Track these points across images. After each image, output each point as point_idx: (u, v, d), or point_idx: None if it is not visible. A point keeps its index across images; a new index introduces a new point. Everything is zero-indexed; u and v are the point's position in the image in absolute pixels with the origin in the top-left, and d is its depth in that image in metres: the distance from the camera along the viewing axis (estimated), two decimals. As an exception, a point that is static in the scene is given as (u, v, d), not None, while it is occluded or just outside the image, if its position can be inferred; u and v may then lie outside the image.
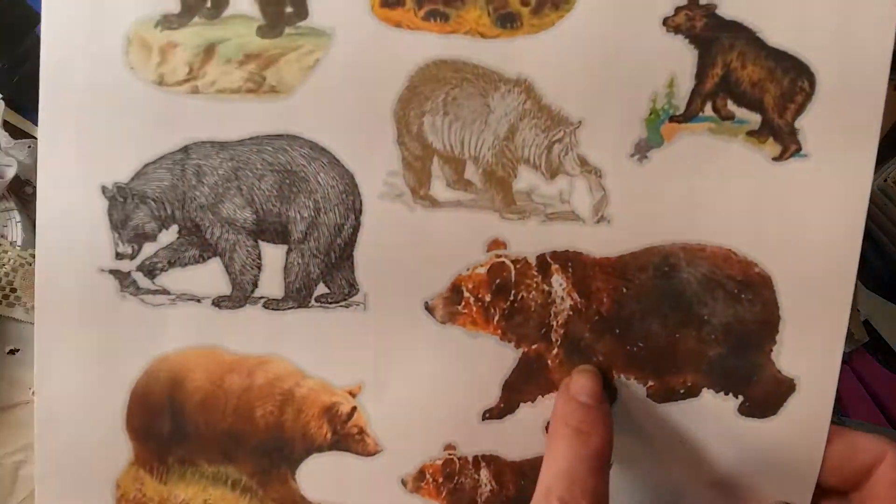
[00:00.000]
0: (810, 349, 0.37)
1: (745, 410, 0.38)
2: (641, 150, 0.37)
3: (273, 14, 0.35)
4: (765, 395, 0.37)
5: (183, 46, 0.35)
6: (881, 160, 0.59)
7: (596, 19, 0.35)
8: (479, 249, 0.38)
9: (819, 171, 0.35)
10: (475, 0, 0.36)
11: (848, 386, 0.56)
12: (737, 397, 0.38)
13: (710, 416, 0.38)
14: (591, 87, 0.36)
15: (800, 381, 0.37)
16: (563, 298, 0.38)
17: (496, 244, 0.38)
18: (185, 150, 0.36)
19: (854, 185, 0.34)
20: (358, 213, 0.37)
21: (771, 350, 0.37)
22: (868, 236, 0.56)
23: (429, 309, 0.37)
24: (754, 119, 0.35)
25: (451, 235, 0.37)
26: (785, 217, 0.35)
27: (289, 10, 0.35)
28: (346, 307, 0.37)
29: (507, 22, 0.36)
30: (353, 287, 0.37)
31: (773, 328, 0.37)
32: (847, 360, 0.57)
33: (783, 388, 0.37)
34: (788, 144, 0.35)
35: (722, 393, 0.38)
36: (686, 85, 0.36)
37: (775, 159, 0.35)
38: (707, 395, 0.38)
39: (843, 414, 0.56)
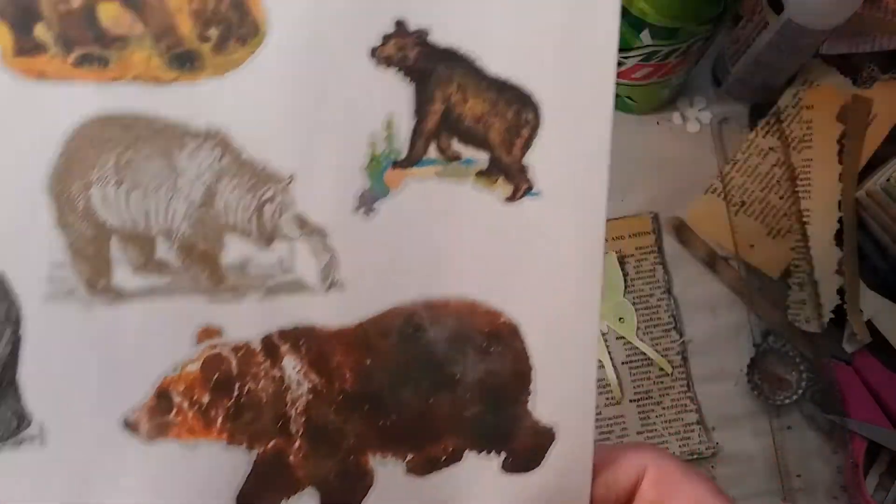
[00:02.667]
0: (565, 394, 0.39)
1: (508, 466, 0.40)
2: (367, 203, 0.36)
3: None
4: (527, 449, 0.40)
5: None
6: (883, 159, 0.62)
7: (292, 54, 0.34)
8: (188, 342, 0.35)
9: (553, 208, 0.37)
10: (140, 39, 0.32)
11: (850, 386, 0.61)
12: (499, 454, 0.40)
13: (476, 479, 0.40)
14: (299, 134, 0.35)
15: (558, 428, 0.40)
16: (299, 382, 0.37)
17: (207, 333, 0.35)
18: None
19: (588, 219, 0.37)
20: (15, 323, 0.32)
21: (527, 401, 0.40)
22: (870, 236, 0.61)
23: (129, 426, 0.34)
24: (482, 158, 0.37)
25: (148, 331, 0.34)
26: (523, 259, 0.37)
27: None
28: (18, 445, 0.33)
29: (185, 62, 0.33)
30: (21, 419, 0.32)
31: (527, 378, 0.39)
32: (849, 360, 0.62)
33: (544, 439, 0.40)
34: (520, 183, 0.37)
35: (484, 452, 0.40)
36: (406, 125, 0.36)
37: (508, 200, 0.37)
38: (470, 456, 0.39)
39: (845, 415, 0.61)
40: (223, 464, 0.35)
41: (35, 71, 0.30)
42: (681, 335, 0.62)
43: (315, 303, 0.35)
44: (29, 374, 0.32)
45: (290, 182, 0.34)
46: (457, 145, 0.36)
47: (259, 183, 0.34)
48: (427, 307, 0.37)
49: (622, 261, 0.63)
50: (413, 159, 0.36)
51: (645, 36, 0.54)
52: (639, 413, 0.60)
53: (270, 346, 0.36)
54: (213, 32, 0.32)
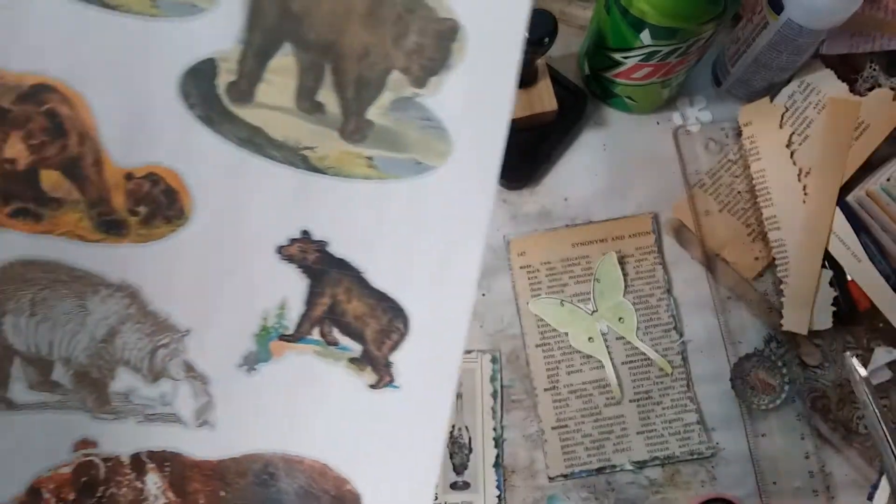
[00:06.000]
0: None
1: None
2: (249, 362, 0.37)
3: None
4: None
5: None
6: (883, 160, 0.55)
7: (210, 239, 0.35)
8: (66, 450, 0.36)
9: (408, 402, 0.38)
10: (74, 203, 0.33)
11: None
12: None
13: None
14: (203, 298, 0.36)
15: None
16: (156, 496, 0.37)
17: (84, 444, 0.36)
18: None
19: (435, 416, 0.38)
20: None
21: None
22: (870, 236, 0.54)
23: (-3, 516, 0.35)
24: (356, 348, 0.38)
25: (32, 439, 0.35)
26: (376, 440, 0.38)
27: None
28: None
29: (112, 228, 0.34)
30: None
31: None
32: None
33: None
34: (384, 376, 0.38)
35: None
36: (297, 308, 0.37)
37: (372, 386, 0.38)
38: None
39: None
40: (75, 555, 0.35)
41: (-29, 216, 0.31)
42: (681, 335, 0.55)
43: (186, 435, 0.36)
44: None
45: (185, 334, 0.35)
46: (336, 334, 0.36)
47: (158, 331, 0.34)
48: (284, 460, 0.37)
49: (622, 261, 0.56)
50: (297, 336, 0.36)
51: (645, 36, 0.48)
52: (639, 413, 0.54)
53: (138, 462, 0.36)
54: (143, 209, 0.33)
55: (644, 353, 0.55)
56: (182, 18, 0.31)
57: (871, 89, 0.56)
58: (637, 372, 0.55)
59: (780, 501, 0.53)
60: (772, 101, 0.58)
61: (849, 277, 0.55)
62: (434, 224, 0.36)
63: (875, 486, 0.51)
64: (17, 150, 0.31)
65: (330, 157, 0.35)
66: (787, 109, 0.57)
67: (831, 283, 0.54)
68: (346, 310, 0.37)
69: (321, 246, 0.36)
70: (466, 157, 0.35)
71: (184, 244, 0.34)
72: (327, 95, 0.34)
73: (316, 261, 0.36)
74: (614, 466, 0.53)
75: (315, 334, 0.37)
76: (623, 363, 0.55)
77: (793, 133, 0.56)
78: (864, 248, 0.55)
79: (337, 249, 0.36)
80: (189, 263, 0.34)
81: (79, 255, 0.33)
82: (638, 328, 0.55)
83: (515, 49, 0.32)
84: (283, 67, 0.33)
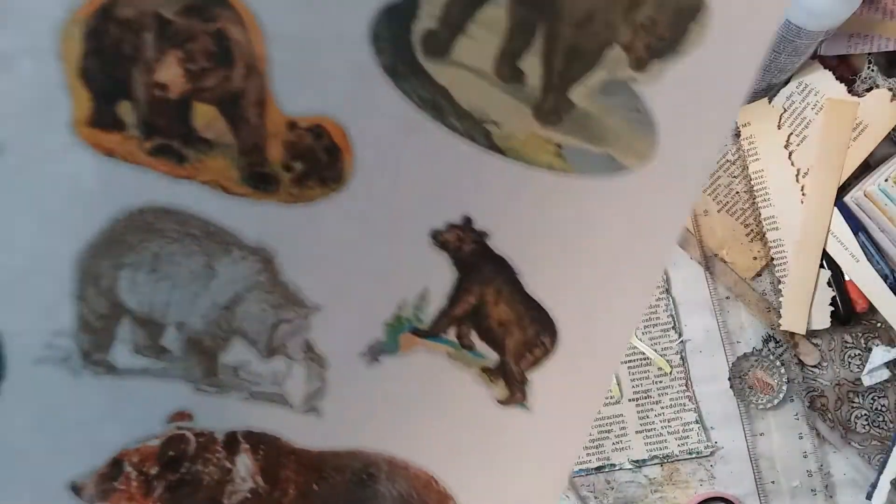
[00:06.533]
0: None
1: None
2: (374, 353, 0.32)
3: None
4: None
5: None
6: (881, 160, 0.55)
7: (362, 210, 0.29)
8: (159, 422, 0.31)
9: (535, 426, 0.33)
10: (225, 148, 0.27)
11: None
12: None
13: None
14: (339, 276, 0.31)
15: None
16: (244, 479, 0.33)
17: (180, 416, 0.31)
18: None
19: (562, 449, 0.34)
20: (-7, 381, 0.27)
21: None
22: (868, 236, 0.55)
23: (76, 489, 0.30)
24: (492, 357, 0.33)
25: (126, 406, 0.30)
26: (492, 461, 0.34)
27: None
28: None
29: (261, 183, 0.28)
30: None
31: (450, 569, 0.36)
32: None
33: None
34: (515, 392, 0.33)
35: None
36: (437, 302, 0.32)
37: (500, 402, 0.33)
38: None
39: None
40: (150, 533, 0.31)
41: (105, 147, 0.25)
42: (679, 335, 0.55)
43: (289, 419, 0.31)
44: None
45: (312, 312, 0.30)
46: (474, 337, 0.32)
47: (285, 304, 0.30)
48: (389, 462, 0.33)
49: (622, 261, 0.55)
50: (432, 333, 0.32)
51: (646, 37, 0.47)
52: (638, 412, 0.54)
53: (233, 441, 0.32)
54: (299, 166, 0.27)
55: (643, 353, 0.54)
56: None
57: (869, 90, 0.56)
58: (636, 371, 0.54)
59: (778, 500, 0.53)
60: (770, 102, 0.57)
61: (847, 277, 0.55)
62: (613, 235, 0.31)
63: (874, 486, 0.53)
64: (172, 73, 0.25)
65: (515, 136, 0.30)
66: (785, 110, 0.57)
67: (829, 283, 0.54)
68: (490, 313, 0.32)
69: (481, 237, 0.31)
70: (669, 164, 0.30)
71: (333, 211, 0.29)
72: (531, 64, 0.29)
73: (471, 253, 0.31)
74: (613, 465, 0.53)
75: (450, 334, 0.32)
76: (622, 362, 0.54)
77: (791, 134, 0.57)
78: (862, 249, 0.54)
79: (497, 244, 0.31)
80: (334, 234, 0.29)
81: (217, 208, 0.28)
82: (637, 328, 0.54)
83: (762, 47, 0.27)
84: (491, 21, 0.27)
